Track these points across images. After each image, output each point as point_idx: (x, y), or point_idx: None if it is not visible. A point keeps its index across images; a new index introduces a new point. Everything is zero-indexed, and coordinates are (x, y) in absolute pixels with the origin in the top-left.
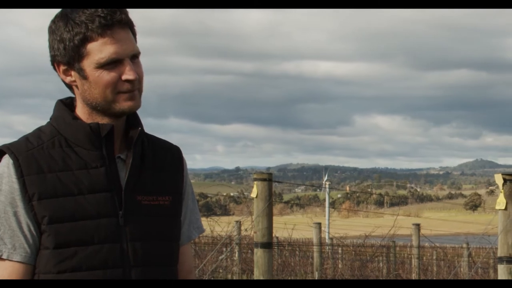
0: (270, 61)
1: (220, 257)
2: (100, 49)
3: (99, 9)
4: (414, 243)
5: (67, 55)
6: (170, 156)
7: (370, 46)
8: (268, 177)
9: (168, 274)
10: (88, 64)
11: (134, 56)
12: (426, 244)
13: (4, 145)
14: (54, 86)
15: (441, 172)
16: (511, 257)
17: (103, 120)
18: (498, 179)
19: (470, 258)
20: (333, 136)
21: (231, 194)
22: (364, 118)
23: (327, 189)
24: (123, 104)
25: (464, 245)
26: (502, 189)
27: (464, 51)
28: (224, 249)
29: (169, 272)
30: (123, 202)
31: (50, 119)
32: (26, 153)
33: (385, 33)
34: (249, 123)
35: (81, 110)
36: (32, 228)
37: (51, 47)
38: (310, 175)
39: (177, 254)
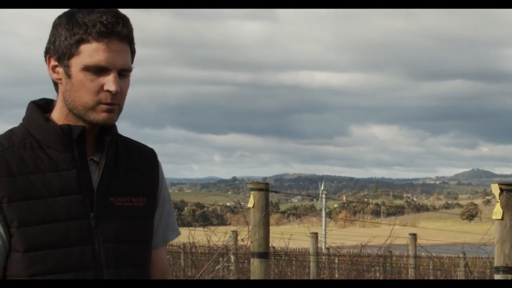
0: (266, 71)
1: (217, 267)
2: (91, 53)
3: (104, 16)
4: (411, 252)
5: (59, 50)
6: (144, 158)
7: (366, 56)
8: (264, 187)
9: (140, 275)
10: (75, 64)
11: (124, 71)
12: (423, 254)
13: None
14: (51, 97)
15: (437, 182)
16: (507, 267)
17: (77, 123)
18: (495, 189)
19: (466, 268)
20: (330, 146)
21: (228, 204)
22: (360, 128)
23: (324, 199)
24: (100, 115)
25: (461, 255)
26: (499, 199)
27: (459, 61)
28: (221, 259)
29: (141, 273)
30: (94, 204)
31: (22, 120)
32: None
33: (380, 44)
34: (245, 133)
35: (58, 111)
36: (1, 230)
37: (49, 40)
38: (307, 185)
39: (150, 255)
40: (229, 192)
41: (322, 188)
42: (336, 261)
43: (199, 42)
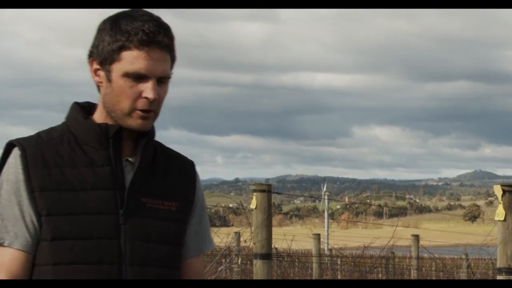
0: (267, 72)
1: (219, 268)
2: (132, 60)
3: (147, 25)
4: (413, 254)
5: (102, 55)
6: (182, 166)
7: (367, 57)
8: (267, 188)
9: (164, 276)
10: (116, 69)
11: (162, 78)
12: (425, 255)
13: (15, 139)
14: (54, 98)
15: (440, 183)
16: (510, 268)
17: (115, 123)
18: (497, 190)
19: (469, 269)
20: (332, 147)
21: (230, 205)
22: (362, 129)
23: (326, 200)
24: (135, 121)
25: (463, 256)
26: (501, 200)
27: (462, 62)
28: (223, 260)
29: (166, 274)
30: (125, 202)
31: (65, 118)
32: (34, 146)
33: (382, 45)
34: (248, 134)
35: (99, 112)
36: (34, 219)
37: (92, 44)
38: (309, 186)
39: (177, 260)
40: (232, 194)
41: (325, 189)
42: (339, 262)
43: (200, 43)
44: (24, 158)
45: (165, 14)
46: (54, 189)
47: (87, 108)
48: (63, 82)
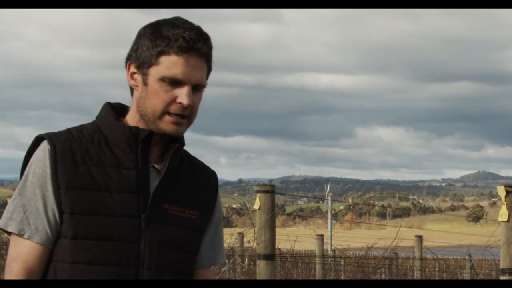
0: (271, 73)
1: (223, 269)
2: (169, 65)
3: (187, 32)
4: (417, 254)
5: (140, 58)
6: (206, 177)
7: (371, 58)
8: (270, 189)
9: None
10: (153, 73)
11: (198, 86)
12: (429, 256)
13: (46, 133)
14: (56, 98)
15: (443, 184)
16: None
17: (146, 127)
18: (501, 191)
19: (472, 270)
20: (335, 148)
21: (234, 206)
22: (366, 130)
23: (330, 201)
24: (168, 126)
25: (467, 257)
26: (505, 201)
27: (465, 63)
28: (227, 261)
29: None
30: (148, 207)
31: (96, 118)
32: (64, 143)
33: (385, 46)
34: (251, 135)
35: (131, 115)
36: (56, 214)
37: (131, 48)
38: (313, 187)
39: (193, 268)
40: (235, 194)
41: (328, 190)
42: (342, 263)
43: None
44: (53, 153)
45: (169, 16)
46: (80, 187)
47: (118, 109)
48: (65, 83)
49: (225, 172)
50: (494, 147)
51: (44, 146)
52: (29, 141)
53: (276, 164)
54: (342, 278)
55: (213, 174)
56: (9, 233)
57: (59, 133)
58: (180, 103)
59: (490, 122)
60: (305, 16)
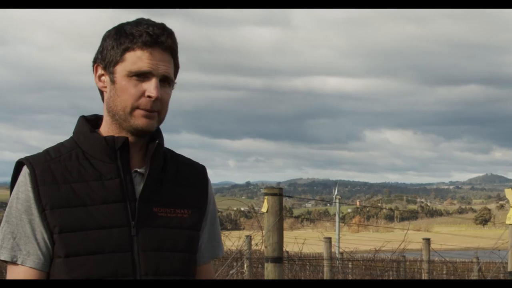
0: (279, 77)
1: (231, 272)
2: (135, 60)
3: (151, 28)
4: (424, 257)
5: (106, 59)
6: (194, 172)
7: (379, 62)
8: (278, 192)
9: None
10: (120, 70)
11: (165, 79)
12: (436, 259)
13: (24, 157)
14: (65, 102)
15: (451, 187)
16: None
17: (120, 134)
18: (508, 193)
19: (480, 273)
20: (343, 151)
21: (242, 208)
22: (374, 133)
23: (337, 204)
24: (139, 120)
25: (474, 260)
26: None
27: (473, 67)
28: (235, 264)
29: None
30: (136, 213)
31: (72, 133)
32: (43, 164)
33: (393, 49)
34: (259, 138)
35: (104, 122)
36: (45, 236)
37: (97, 50)
38: (321, 189)
39: (192, 267)
40: (243, 197)
41: (336, 193)
42: (350, 265)
43: (213, 48)
44: (34, 176)
45: (178, 20)
46: (65, 206)
47: (94, 121)
48: (74, 87)
49: (233, 175)
50: (502, 150)
51: (25, 171)
52: (38, 144)
53: (284, 167)
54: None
55: (201, 169)
56: (3, 262)
57: (38, 155)
58: (149, 96)
59: (497, 125)
60: (313, 20)
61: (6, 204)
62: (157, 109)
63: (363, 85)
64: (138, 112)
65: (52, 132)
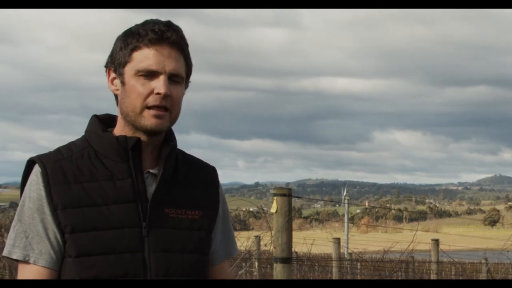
0: (288, 77)
1: (240, 272)
2: (142, 59)
3: (157, 25)
4: (433, 258)
5: (116, 61)
6: (204, 173)
7: (387, 63)
8: (287, 192)
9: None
10: (128, 70)
11: (174, 76)
12: (445, 260)
13: (36, 156)
14: (75, 103)
15: (459, 188)
16: None
17: (134, 135)
18: None
19: (488, 274)
20: (352, 152)
21: (251, 209)
22: (382, 134)
23: (346, 204)
24: (149, 120)
25: (483, 261)
26: None
27: (481, 68)
28: (244, 264)
29: None
30: (147, 214)
31: (84, 132)
32: (54, 163)
33: (402, 50)
34: (268, 138)
35: (118, 124)
36: (57, 236)
37: (110, 54)
38: (329, 190)
39: (203, 268)
40: (252, 198)
41: (345, 193)
42: (359, 266)
43: (222, 48)
44: (45, 175)
45: (188, 21)
46: (76, 205)
47: (106, 121)
48: (84, 87)
49: (242, 175)
50: (511, 151)
51: (36, 169)
52: (48, 144)
53: (293, 167)
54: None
55: (212, 170)
56: (15, 261)
57: (49, 153)
58: (157, 93)
59: (506, 126)
60: (322, 21)
61: (15, 203)
62: (168, 106)
63: (372, 86)
64: (148, 112)
65: (62, 132)
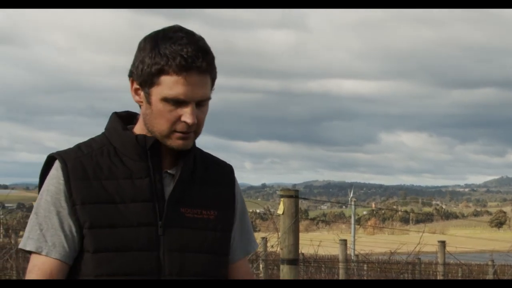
0: (295, 79)
1: None
2: (170, 85)
3: (185, 49)
4: (440, 260)
5: (142, 77)
6: (221, 172)
7: (394, 64)
8: (294, 194)
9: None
10: (155, 93)
11: (202, 102)
12: (452, 261)
13: (56, 152)
14: (82, 104)
15: (466, 189)
16: None
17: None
18: None
19: (495, 275)
20: (359, 153)
21: (258, 210)
22: (389, 136)
23: (353, 206)
24: (175, 142)
25: (489, 262)
26: None
27: (487, 70)
28: (250, 266)
29: None
30: (164, 213)
31: (104, 129)
32: (75, 160)
33: (408, 52)
34: (275, 140)
35: (140, 124)
36: (73, 230)
37: (133, 63)
38: (336, 192)
39: (219, 268)
40: (259, 199)
41: (352, 195)
42: (365, 268)
43: (229, 50)
44: (66, 171)
45: (195, 23)
46: (95, 202)
47: (125, 118)
48: (92, 88)
49: (249, 176)
50: None
51: (57, 164)
52: (55, 145)
53: (300, 169)
54: None
55: (229, 168)
56: (28, 253)
57: (69, 150)
58: (185, 121)
59: None
60: (329, 23)
61: (22, 205)
62: (194, 129)
63: (379, 88)
64: (175, 135)
65: (69, 134)
